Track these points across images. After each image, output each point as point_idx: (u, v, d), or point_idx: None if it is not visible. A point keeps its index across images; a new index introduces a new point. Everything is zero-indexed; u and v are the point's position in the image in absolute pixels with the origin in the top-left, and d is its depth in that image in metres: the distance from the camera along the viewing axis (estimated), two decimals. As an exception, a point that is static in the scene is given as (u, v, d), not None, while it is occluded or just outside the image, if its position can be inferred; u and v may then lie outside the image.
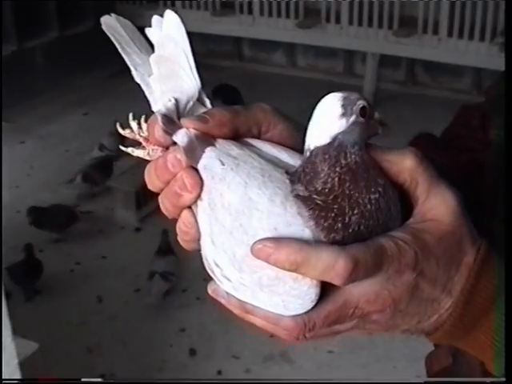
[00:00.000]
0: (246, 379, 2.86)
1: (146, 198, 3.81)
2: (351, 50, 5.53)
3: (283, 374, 2.88)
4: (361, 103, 0.63)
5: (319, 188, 0.62)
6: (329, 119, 0.63)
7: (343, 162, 0.62)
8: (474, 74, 5.39)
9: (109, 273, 3.56)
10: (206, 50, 6.19)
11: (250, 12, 5.52)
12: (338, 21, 5.24)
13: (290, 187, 0.63)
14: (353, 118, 0.63)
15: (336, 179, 0.62)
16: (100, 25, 0.69)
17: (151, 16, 0.68)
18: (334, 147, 0.63)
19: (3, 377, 1.72)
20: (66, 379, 2.07)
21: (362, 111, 0.63)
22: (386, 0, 5.04)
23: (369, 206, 0.61)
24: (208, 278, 0.66)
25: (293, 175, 0.64)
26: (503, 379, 0.66)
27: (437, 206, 0.64)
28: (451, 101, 4.92)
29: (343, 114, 0.63)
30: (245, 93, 5.07)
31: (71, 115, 5.26)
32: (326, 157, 0.63)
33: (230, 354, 3.01)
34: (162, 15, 0.68)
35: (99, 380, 1.73)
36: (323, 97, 0.64)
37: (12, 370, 1.85)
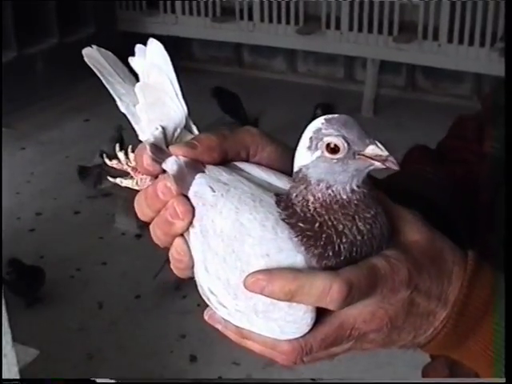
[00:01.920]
0: (244, 379, 2.86)
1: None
2: (351, 55, 5.53)
3: (283, 380, 2.87)
4: (327, 140, 0.60)
5: (302, 215, 0.61)
6: (299, 148, 0.62)
7: (310, 198, 0.61)
8: (474, 80, 5.40)
9: (109, 279, 3.56)
10: (206, 56, 6.20)
11: (251, 18, 5.52)
12: (338, 27, 5.24)
13: (279, 211, 0.62)
14: (317, 154, 0.60)
15: (311, 210, 0.61)
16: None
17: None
18: (299, 178, 0.61)
19: (3, 384, 1.72)
20: (78, 379, 2.07)
21: (332, 148, 0.60)
22: (385, 6, 5.05)
23: (359, 237, 0.60)
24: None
25: (280, 200, 0.62)
26: (503, 380, 0.66)
27: (402, 226, 0.64)
28: (451, 106, 4.92)
29: (309, 148, 0.61)
30: (245, 99, 5.06)
31: (71, 121, 5.25)
32: (295, 186, 0.62)
33: (231, 360, 3.00)
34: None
35: (112, 381, 1.73)
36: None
37: (12, 377, 1.85)
